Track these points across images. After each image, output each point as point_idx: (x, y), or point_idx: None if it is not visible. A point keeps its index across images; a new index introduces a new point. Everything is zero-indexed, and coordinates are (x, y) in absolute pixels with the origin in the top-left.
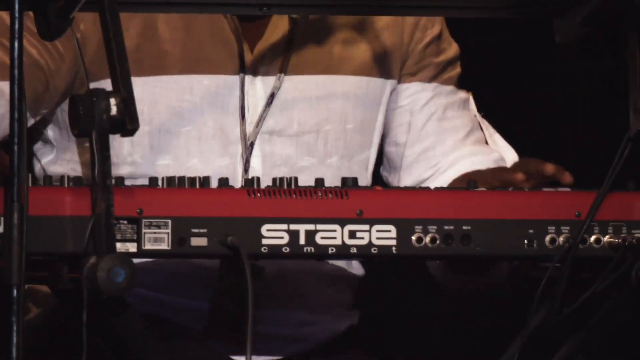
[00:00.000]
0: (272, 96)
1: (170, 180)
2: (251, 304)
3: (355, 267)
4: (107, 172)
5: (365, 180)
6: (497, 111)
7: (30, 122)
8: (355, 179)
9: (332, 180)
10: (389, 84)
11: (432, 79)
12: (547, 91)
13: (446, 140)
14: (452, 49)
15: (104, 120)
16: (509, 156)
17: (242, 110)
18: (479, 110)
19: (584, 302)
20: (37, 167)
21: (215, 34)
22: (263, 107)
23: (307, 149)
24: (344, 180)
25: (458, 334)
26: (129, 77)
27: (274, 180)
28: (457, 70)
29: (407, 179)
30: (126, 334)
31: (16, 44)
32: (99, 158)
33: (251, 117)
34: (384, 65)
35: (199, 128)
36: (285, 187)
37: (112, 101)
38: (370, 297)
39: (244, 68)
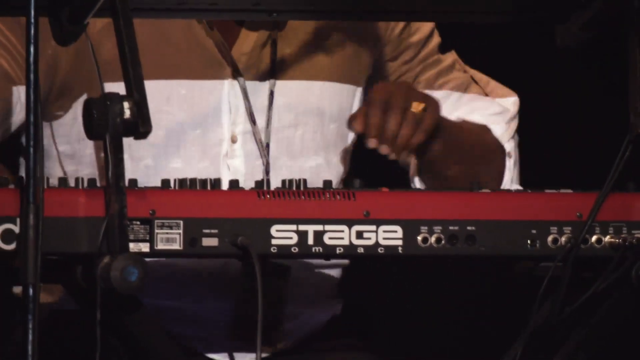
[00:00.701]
0: (271, 95)
1: (182, 182)
2: (260, 302)
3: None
4: (121, 174)
5: (343, 172)
6: None
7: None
8: (362, 182)
9: (310, 178)
10: (364, 71)
11: (414, 57)
12: (549, 93)
13: (445, 107)
14: (425, 25)
15: (117, 124)
16: (510, 100)
17: (252, 116)
18: None
19: (585, 301)
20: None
21: (192, 40)
22: (266, 107)
23: (287, 144)
24: (352, 182)
25: (447, 324)
26: (142, 81)
27: (283, 182)
28: (435, 40)
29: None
30: (139, 332)
31: (32, 49)
32: (112, 160)
33: (236, 116)
34: (357, 65)
35: (177, 133)
36: (294, 188)
37: (126, 104)
38: (354, 286)
39: (224, 72)
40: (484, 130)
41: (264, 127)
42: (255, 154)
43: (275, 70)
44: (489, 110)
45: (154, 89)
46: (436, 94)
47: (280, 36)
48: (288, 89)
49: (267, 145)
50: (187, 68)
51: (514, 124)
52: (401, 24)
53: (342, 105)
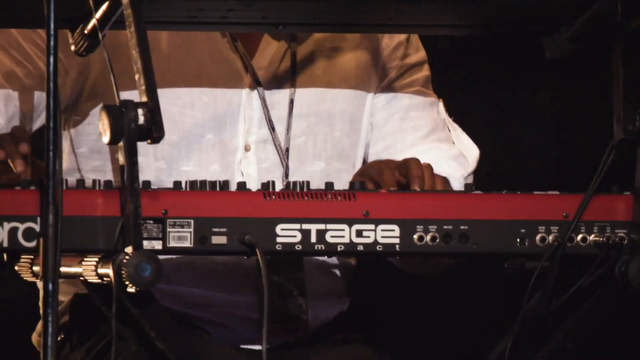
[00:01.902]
0: (291, 103)
1: (192, 183)
2: (266, 296)
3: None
4: (135, 176)
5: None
6: (493, 118)
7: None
8: (362, 183)
9: (319, 183)
10: (372, 86)
11: (392, 81)
12: (539, 102)
13: (406, 138)
14: (417, 54)
15: (132, 129)
16: (471, 153)
17: (270, 123)
18: (453, 115)
19: (571, 296)
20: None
21: (215, 53)
22: (260, 117)
23: (298, 152)
24: (352, 184)
25: (444, 320)
26: (155, 89)
27: (287, 183)
28: (423, 73)
29: None
30: (152, 324)
31: (51, 59)
32: (127, 163)
33: (250, 127)
34: (368, 70)
35: (197, 137)
36: (298, 190)
37: (140, 111)
38: (361, 285)
39: (242, 84)
40: (446, 183)
41: (283, 133)
42: (268, 161)
43: (295, 79)
44: (448, 153)
45: (178, 95)
46: (408, 124)
47: (299, 48)
48: (305, 98)
49: (287, 150)
50: (208, 77)
51: (470, 178)
52: (394, 44)
53: (354, 111)
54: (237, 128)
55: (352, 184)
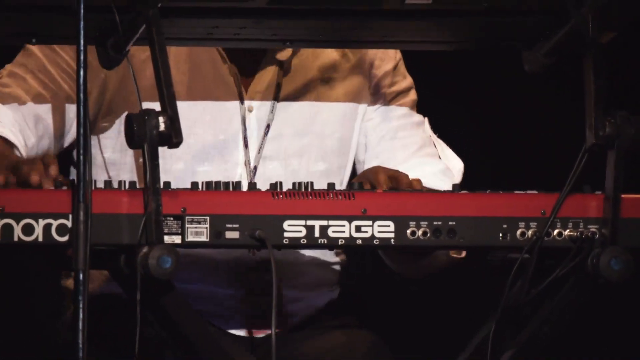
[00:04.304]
0: (267, 128)
1: (208, 184)
2: (275, 285)
3: (338, 251)
4: (157, 177)
5: (342, 181)
6: (478, 125)
7: (56, 147)
8: (360, 184)
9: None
10: (361, 110)
11: (382, 107)
12: (519, 108)
13: (397, 156)
14: (404, 82)
15: (154, 135)
16: (456, 166)
17: (245, 140)
18: (438, 130)
19: (548, 285)
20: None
21: (217, 78)
22: (260, 137)
23: (292, 170)
24: (351, 184)
25: (428, 304)
26: (174, 99)
27: (294, 184)
28: (410, 97)
29: None
30: (172, 310)
31: (81, 72)
32: (149, 166)
33: (251, 146)
34: (357, 95)
35: (202, 152)
36: (303, 190)
37: (161, 119)
38: (349, 276)
39: (243, 104)
40: None
41: (275, 151)
42: (266, 176)
43: (283, 110)
44: (436, 167)
45: (186, 111)
46: (397, 143)
47: (285, 80)
48: (295, 119)
49: (255, 168)
50: (212, 98)
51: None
52: (380, 75)
53: (343, 134)
54: (238, 145)
55: (351, 184)
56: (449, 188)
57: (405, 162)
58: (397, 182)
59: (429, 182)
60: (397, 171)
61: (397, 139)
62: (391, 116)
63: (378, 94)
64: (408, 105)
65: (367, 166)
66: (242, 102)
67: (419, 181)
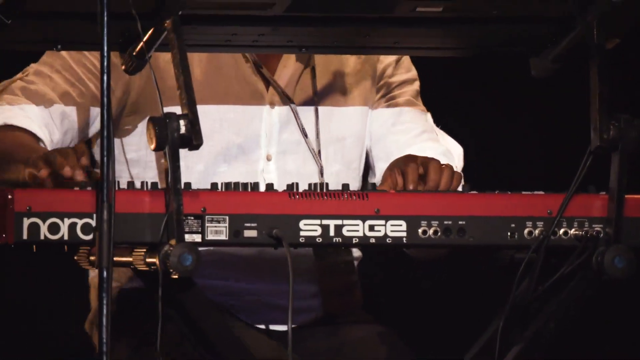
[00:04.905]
0: (288, 123)
1: (227, 185)
2: (291, 282)
3: (355, 250)
4: (178, 178)
5: (358, 183)
6: (486, 129)
7: (77, 139)
8: (373, 184)
9: (334, 186)
10: (371, 104)
11: (384, 95)
12: (526, 111)
13: (400, 139)
14: (407, 74)
15: (175, 138)
16: (457, 151)
17: (267, 136)
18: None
19: (554, 282)
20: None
21: (239, 76)
22: (281, 133)
23: (313, 162)
24: (364, 185)
25: (442, 303)
26: (195, 103)
27: (309, 185)
28: (413, 87)
29: (378, 174)
30: (192, 306)
31: (105, 77)
32: (171, 167)
33: (270, 139)
34: (368, 90)
35: (225, 150)
36: (318, 190)
37: (182, 122)
38: (365, 270)
39: (264, 102)
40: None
41: (295, 144)
42: (285, 169)
43: (318, 98)
44: (438, 150)
45: (208, 112)
46: (400, 127)
47: (307, 72)
48: (313, 119)
49: (319, 152)
50: (235, 97)
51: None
52: (384, 65)
53: (360, 126)
54: (260, 141)
55: (364, 185)
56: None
57: (408, 145)
58: (426, 171)
59: None
60: (430, 161)
61: (399, 124)
62: (395, 102)
63: (382, 83)
64: (410, 92)
65: (373, 153)
66: (263, 100)
67: (448, 167)
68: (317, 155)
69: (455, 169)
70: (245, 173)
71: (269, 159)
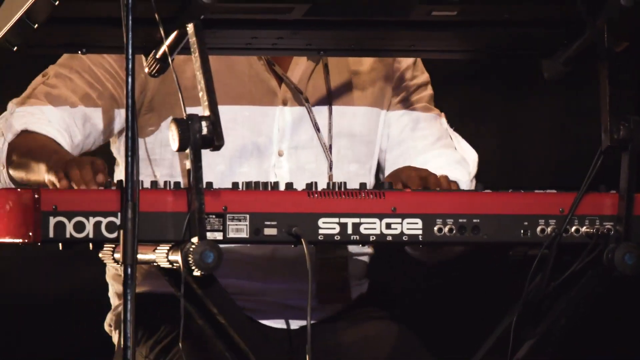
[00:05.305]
0: (301, 121)
1: (248, 184)
2: (311, 279)
3: (367, 248)
4: (200, 178)
5: (369, 181)
6: (502, 129)
7: (99, 142)
8: (390, 184)
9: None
10: (382, 114)
11: (404, 99)
12: (541, 117)
13: (417, 145)
14: (423, 76)
15: (197, 139)
16: (471, 156)
17: (280, 133)
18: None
19: (566, 278)
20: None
21: (253, 75)
22: (295, 130)
23: (324, 157)
24: (381, 184)
25: (454, 299)
26: (216, 105)
27: (328, 184)
28: (428, 92)
29: None
30: (214, 303)
31: (129, 80)
32: (193, 167)
33: (283, 136)
34: (382, 90)
35: (241, 147)
36: (336, 189)
37: (204, 123)
38: (377, 270)
39: (277, 99)
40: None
41: (307, 141)
42: (296, 165)
43: (330, 96)
44: (453, 157)
45: (222, 112)
46: (418, 133)
47: (319, 68)
48: (326, 116)
49: (330, 147)
50: (248, 95)
51: (474, 181)
52: (403, 68)
53: (370, 126)
54: (272, 137)
55: (381, 184)
56: (464, 177)
57: (425, 152)
58: (426, 181)
59: (450, 173)
60: (427, 170)
61: (417, 130)
62: (413, 108)
63: (400, 87)
64: (426, 98)
65: (389, 155)
66: (276, 97)
67: (446, 178)
68: (327, 150)
69: (456, 180)
70: (257, 168)
71: (280, 154)
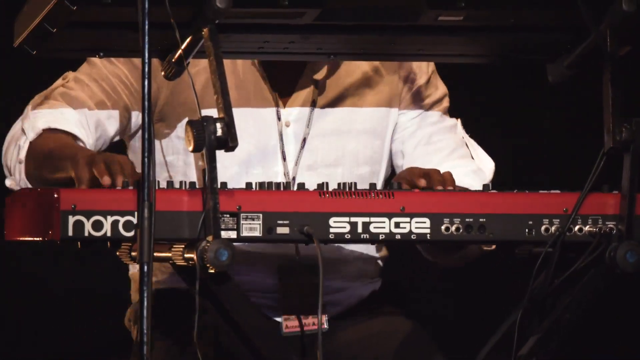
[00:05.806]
0: (303, 141)
1: (261, 184)
2: (321, 276)
3: (380, 247)
4: (215, 178)
5: (380, 186)
6: (507, 130)
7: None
8: (399, 184)
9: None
10: (392, 116)
11: (417, 115)
12: (545, 119)
13: (432, 160)
14: (438, 92)
15: (212, 140)
16: (488, 165)
17: (283, 153)
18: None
19: (569, 276)
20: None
21: (258, 94)
22: (297, 150)
23: (329, 178)
24: (391, 184)
25: (463, 295)
26: (230, 107)
27: (339, 184)
28: (443, 105)
29: None
30: (228, 299)
31: (146, 82)
32: (208, 168)
33: (289, 157)
34: (388, 103)
35: (246, 166)
36: (347, 190)
37: (218, 125)
38: (390, 268)
39: (280, 120)
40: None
41: (312, 163)
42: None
43: (318, 124)
44: (468, 168)
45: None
46: (432, 147)
47: (320, 98)
48: (327, 133)
49: (315, 176)
50: (254, 112)
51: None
52: (414, 88)
53: (375, 139)
54: (277, 157)
55: (390, 184)
56: (480, 187)
57: (439, 165)
58: (429, 178)
59: (461, 182)
60: (429, 169)
61: (431, 144)
62: (426, 123)
63: (413, 105)
64: (442, 111)
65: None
66: (279, 118)
67: (449, 173)
68: (290, 180)
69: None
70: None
71: (286, 175)
